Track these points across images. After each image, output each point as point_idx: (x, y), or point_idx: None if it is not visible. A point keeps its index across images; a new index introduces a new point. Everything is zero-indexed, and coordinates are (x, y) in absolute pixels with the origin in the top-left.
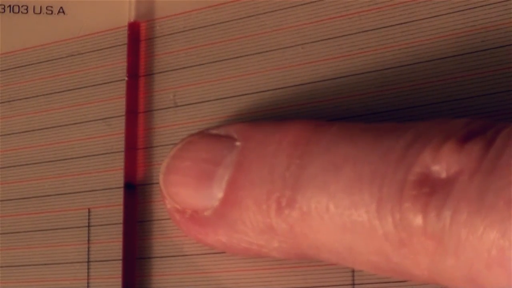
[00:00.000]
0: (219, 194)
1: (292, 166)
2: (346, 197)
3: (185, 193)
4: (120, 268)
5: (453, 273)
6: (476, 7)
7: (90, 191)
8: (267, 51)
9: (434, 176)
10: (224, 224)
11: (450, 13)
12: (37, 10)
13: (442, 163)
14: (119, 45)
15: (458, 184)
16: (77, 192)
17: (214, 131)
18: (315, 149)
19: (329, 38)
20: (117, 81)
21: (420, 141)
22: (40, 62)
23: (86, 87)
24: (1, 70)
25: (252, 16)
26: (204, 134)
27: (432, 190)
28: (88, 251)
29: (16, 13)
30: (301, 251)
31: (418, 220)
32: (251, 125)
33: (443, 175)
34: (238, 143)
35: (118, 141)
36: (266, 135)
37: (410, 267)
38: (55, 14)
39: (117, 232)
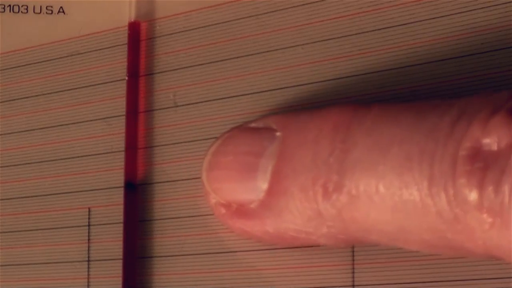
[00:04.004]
0: (263, 185)
1: (335, 150)
2: (396, 177)
3: (229, 187)
4: (121, 268)
5: None
6: (476, 9)
7: (90, 190)
8: (267, 52)
9: (485, 150)
10: (271, 214)
11: (450, 14)
12: (37, 10)
13: (493, 135)
14: (119, 45)
15: None
16: (78, 192)
17: (253, 124)
18: (358, 132)
19: (329, 39)
20: (117, 80)
21: (466, 115)
22: (40, 62)
23: (86, 86)
24: (1, 70)
25: (253, 16)
26: (243, 128)
27: (485, 164)
28: (88, 250)
29: (16, 13)
30: (349, 235)
31: (474, 195)
32: (290, 115)
33: (494, 148)
34: (278, 134)
35: (118, 140)
36: (305, 123)
37: (465, 242)
38: (55, 14)
39: (118, 232)
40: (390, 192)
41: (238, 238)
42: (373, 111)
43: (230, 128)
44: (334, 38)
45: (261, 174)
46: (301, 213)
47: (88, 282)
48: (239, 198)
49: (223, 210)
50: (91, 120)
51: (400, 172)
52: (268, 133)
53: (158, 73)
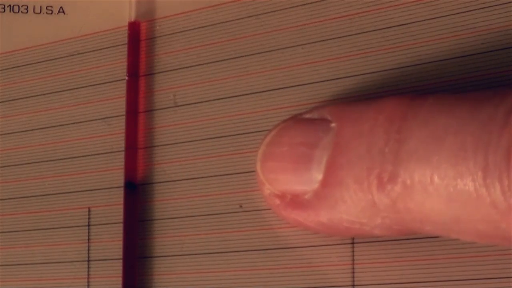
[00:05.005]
0: (318, 176)
1: (390, 141)
2: (450, 168)
3: (284, 178)
4: (121, 267)
5: None
6: (476, 9)
7: (90, 190)
8: (267, 51)
9: None
10: (325, 205)
11: (451, 14)
12: (37, 10)
13: None
14: (119, 45)
15: None
16: (77, 191)
17: (308, 115)
18: (413, 123)
19: (329, 39)
20: (117, 80)
21: None
22: (40, 62)
23: (86, 86)
24: (1, 70)
25: (252, 16)
26: (298, 119)
27: None
28: (88, 250)
29: (16, 13)
30: (404, 226)
31: None
32: (344, 105)
33: None
34: (333, 124)
35: (118, 140)
36: (360, 113)
37: None
38: (55, 14)
39: (118, 231)
40: (445, 183)
41: (237, 238)
42: (428, 102)
43: (284, 119)
44: (334, 38)
45: (316, 165)
46: (356, 204)
47: (88, 282)
48: (293, 188)
49: (277, 201)
50: (91, 120)
51: (454, 163)
52: (323, 124)
53: (158, 73)
